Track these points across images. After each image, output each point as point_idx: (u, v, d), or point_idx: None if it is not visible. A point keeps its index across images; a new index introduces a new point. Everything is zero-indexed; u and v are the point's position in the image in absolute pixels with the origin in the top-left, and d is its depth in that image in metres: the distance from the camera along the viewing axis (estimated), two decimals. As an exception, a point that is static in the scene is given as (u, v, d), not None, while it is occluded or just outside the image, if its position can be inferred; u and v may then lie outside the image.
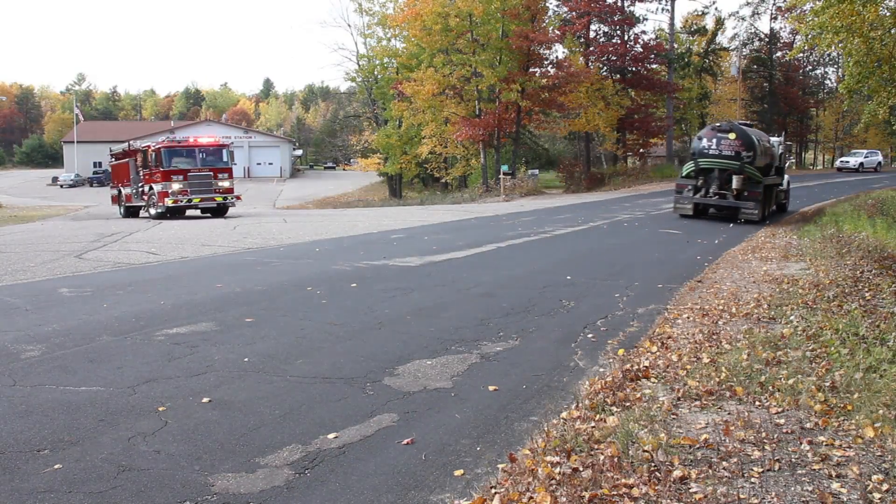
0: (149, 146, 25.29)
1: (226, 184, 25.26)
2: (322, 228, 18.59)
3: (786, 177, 23.98)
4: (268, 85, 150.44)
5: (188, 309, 8.13)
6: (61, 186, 67.04)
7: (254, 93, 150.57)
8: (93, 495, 3.69)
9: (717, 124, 20.96)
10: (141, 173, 25.80)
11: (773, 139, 22.78)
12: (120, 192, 28.53)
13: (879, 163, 52.15)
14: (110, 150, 30.14)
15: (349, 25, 72.95)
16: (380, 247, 14.08)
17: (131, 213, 27.50)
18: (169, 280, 10.32)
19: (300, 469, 4.02)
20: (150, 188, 24.62)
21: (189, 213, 25.38)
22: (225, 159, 25.70)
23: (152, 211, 24.67)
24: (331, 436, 4.47)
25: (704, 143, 19.87)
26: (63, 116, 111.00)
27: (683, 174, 20.82)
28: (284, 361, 6.07)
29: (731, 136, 19.43)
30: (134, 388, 5.37)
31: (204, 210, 25.33)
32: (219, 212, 25.44)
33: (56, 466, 4.02)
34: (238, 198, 26.22)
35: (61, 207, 39.48)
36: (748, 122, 26.21)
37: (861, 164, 49.93)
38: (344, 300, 8.70)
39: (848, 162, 51.52)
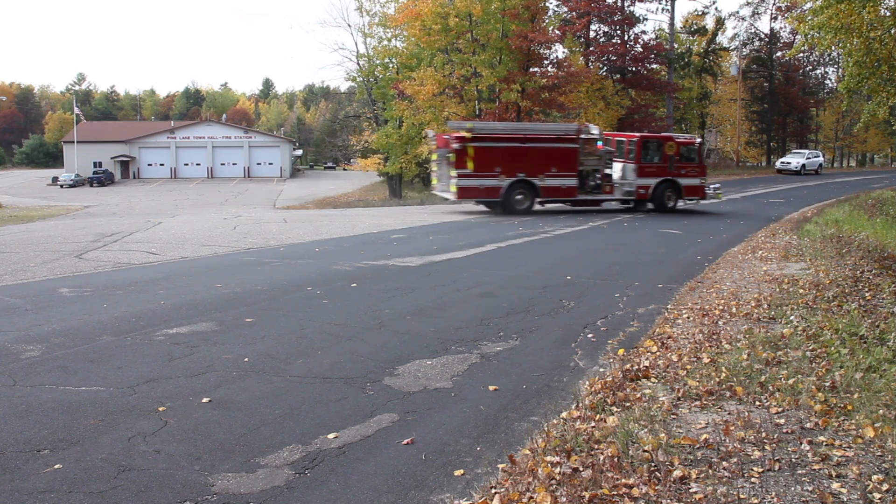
0: (669, 138, 24.37)
1: None
2: (322, 228, 18.57)
3: None
4: (268, 85, 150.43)
5: (188, 309, 8.13)
6: (61, 186, 67.00)
7: (254, 93, 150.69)
8: (93, 495, 3.69)
9: None
10: (622, 165, 23.95)
11: None
12: (525, 183, 22.46)
13: (821, 164, 50.94)
14: (520, 132, 23.48)
15: (349, 25, 72.66)
16: (380, 247, 14.08)
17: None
18: (169, 280, 10.32)
19: (300, 469, 4.02)
20: (667, 182, 23.20)
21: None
22: None
23: (679, 203, 23.72)
24: (331, 436, 4.48)
25: None
26: (63, 116, 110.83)
27: None
28: (284, 361, 6.07)
29: None
30: (134, 388, 5.37)
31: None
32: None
33: (56, 466, 4.02)
34: None
35: (62, 207, 39.50)
36: None
37: (803, 165, 48.16)
38: (344, 300, 8.70)
39: (789, 164, 48.90)
